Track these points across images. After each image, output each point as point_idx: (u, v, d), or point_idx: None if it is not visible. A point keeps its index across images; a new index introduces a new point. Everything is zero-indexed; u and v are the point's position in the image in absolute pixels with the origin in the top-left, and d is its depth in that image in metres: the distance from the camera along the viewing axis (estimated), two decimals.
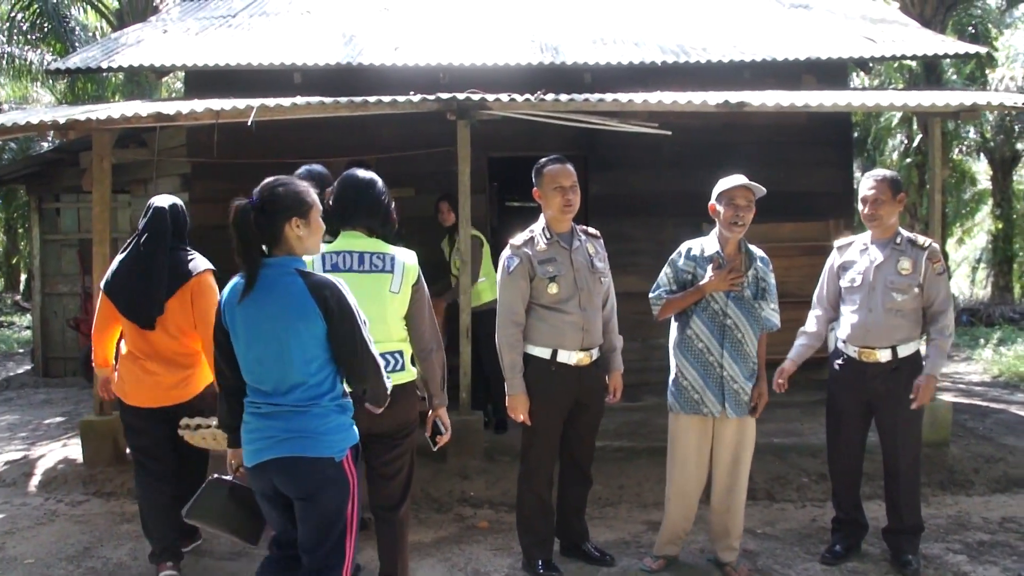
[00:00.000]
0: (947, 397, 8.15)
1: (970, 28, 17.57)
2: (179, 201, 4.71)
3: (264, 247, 3.06)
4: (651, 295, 4.58)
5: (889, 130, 17.91)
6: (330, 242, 3.74)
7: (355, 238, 3.72)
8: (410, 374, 3.80)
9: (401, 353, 3.76)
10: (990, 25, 18.28)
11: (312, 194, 3.10)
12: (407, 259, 3.72)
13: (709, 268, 4.41)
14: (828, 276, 4.86)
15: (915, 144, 16.14)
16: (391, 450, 3.76)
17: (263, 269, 3.00)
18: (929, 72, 15.16)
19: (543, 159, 4.54)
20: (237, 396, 3.18)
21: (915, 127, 15.73)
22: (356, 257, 3.68)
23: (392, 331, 3.71)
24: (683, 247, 4.58)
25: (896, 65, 15.77)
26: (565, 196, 4.42)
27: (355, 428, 3.18)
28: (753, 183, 4.39)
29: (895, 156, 18.44)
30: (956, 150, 18.66)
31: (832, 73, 8.70)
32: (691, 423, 4.51)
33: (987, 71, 17.43)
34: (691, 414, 4.49)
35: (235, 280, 3.10)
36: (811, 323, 4.90)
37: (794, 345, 4.88)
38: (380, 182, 3.83)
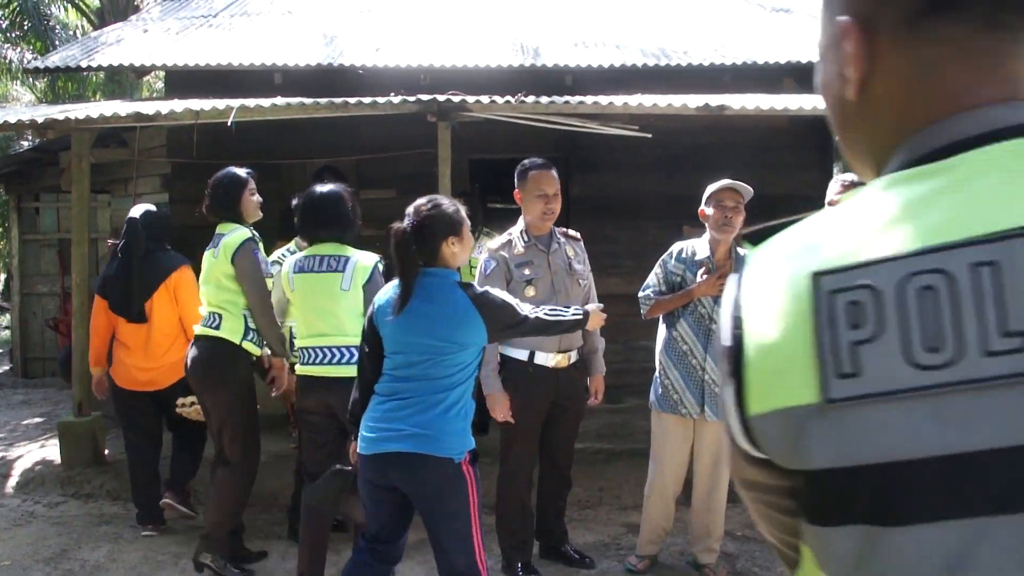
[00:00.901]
0: None
1: None
2: (153, 207, 5.48)
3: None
4: (640, 294, 4.58)
5: None
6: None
7: (323, 244, 4.23)
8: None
9: (353, 348, 4.00)
10: None
11: (461, 212, 3.35)
12: (362, 260, 4.16)
13: (699, 272, 4.42)
14: None
15: None
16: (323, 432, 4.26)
17: (424, 278, 3.24)
18: None
19: (527, 161, 4.53)
20: (371, 391, 3.36)
21: None
22: (318, 260, 4.20)
23: (346, 326, 4.12)
24: (674, 248, 4.59)
25: None
26: (548, 204, 4.42)
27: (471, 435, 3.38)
28: (740, 184, 4.41)
29: None
30: None
31: (812, 77, 8.72)
32: (671, 422, 4.52)
33: None
34: (670, 413, 4.50)
35: (392, 287, 3.33)
36: None
37: None
38: (339, 193, 4.25)
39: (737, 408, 0.86)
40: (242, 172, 4.66)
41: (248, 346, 4.55)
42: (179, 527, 5.29)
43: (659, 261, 4.60)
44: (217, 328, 4.51)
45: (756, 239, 0.92)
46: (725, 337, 0.86)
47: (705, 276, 4.35)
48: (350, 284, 4.13)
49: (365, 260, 4.19)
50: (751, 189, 4.43)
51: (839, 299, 0.79)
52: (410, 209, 3.29)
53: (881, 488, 0.78)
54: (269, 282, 4.63)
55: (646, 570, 4.67)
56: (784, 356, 0.81)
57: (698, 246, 4.53)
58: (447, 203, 3.33)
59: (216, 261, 4.51)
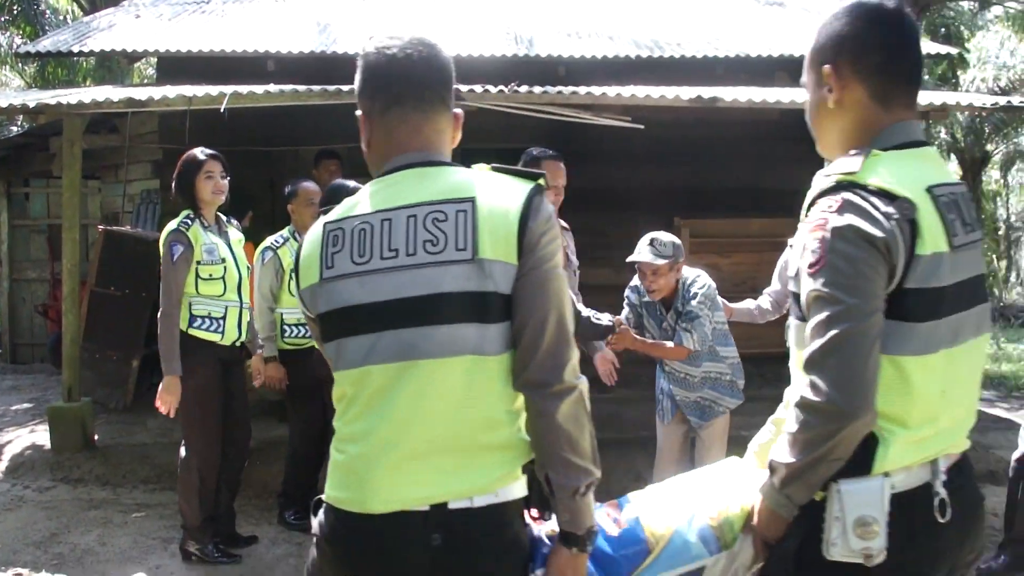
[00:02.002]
0: None
1: (943, 29, 17.76)
2: None
3: None
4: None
5: None
6: None
7: None
8: None
9: None
10: (962, 27, 18.50)
11: None
12: None
13: (646, 319, 4.71)
14: (780, 271, 4.92)
15: None
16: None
17: None
18: None
19: (536, 150, 4.48)
20: None
21: None
22: None
23: None
24: (636, 279, 4.69)
25: None
26: (558, 195, 4.45)
27: None
28: (646, 258, 4.42)
29: None
30: None
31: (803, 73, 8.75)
32: (665, 428, 4.77)
33: (959, 72, 17.63)
34: (660, 420, 4.78)
35: None
36: (763, 300, 4.94)
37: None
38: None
39: (298, 290, 1.85)
40: (201, 154, 4.55)
41: (198, 333, 4.50)
42: (169, 511, 5.30)
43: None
44: None
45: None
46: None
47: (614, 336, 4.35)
48: None
49: None
50: (666, 245, 4.44)
51: (329, 233, 1.78)
52: None
53: (344, 320, 1.74)
54: (235, 268, 4.61)
55: None
56: (309, 261, 1.80)
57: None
58: None
59: None
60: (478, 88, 6.11)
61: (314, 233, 1.81)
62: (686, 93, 6.26)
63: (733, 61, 8.11)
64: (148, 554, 4.79)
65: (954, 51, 9.53)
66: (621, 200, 8.40)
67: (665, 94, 6.21)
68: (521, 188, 1.76)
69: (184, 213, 4.55)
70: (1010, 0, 17.18)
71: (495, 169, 1.84)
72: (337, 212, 1.80)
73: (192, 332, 4.48)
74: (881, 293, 1.65)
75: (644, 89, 6.35)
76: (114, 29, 8.70)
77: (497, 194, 1.73)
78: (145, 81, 16.85)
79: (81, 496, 5.70)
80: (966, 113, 16.05)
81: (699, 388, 4.58)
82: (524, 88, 6.21)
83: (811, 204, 1.79)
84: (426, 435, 1.68)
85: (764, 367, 7.51)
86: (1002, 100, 7.15)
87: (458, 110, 1.91)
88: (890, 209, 1.64)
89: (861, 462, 1.69)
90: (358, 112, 1.87)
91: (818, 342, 1.65)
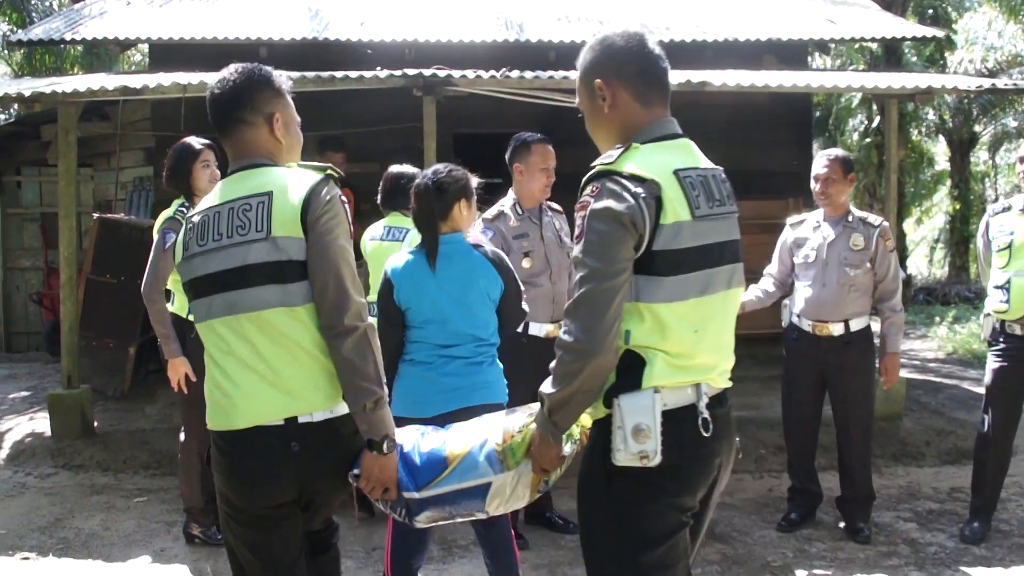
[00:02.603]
0: (902, 373, 8.34)
1: (930, 11, 17.81)
2: None
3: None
4: None
5: (850, 111, 18.13)
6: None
7: (396, 218, 4.64)
8: None
9: None
10: (949, 8, 18.54)
11: (472, 181, 3.65)
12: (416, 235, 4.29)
13: None
14: (780, 251, 5.00)
15: (874, 125, 16.33)
16: None
17: (440, 246, 3.49)
18: (889, 54, 15.35)
19: (526, 135, 4.61)
20: (395, 362, 3.57)
21: (875, 108, 15.93)
22: (393, 231, 4.67)
23: None
24: None
25: (857, 47, 15.95)
26: (549, 177, 4.54)
27: None
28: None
29: (855, 136, 18.69)
30: (915, 131, 18.90)
31: (793, 54, 8.83)
32: None
33: (946, 53, 17.68)
34: None
35: (410, 253, 3.55)
36: (765, 283, 5.01)
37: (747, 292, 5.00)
38: (412, 173, 4.53)
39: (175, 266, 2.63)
40: (197, 143, 4.59)
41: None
42: (170, 496, 5.38)
43: None
44: (171, 304, 4.58)
45: None
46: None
47: None
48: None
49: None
50: None
51: (188, 222, 2.51)
52: (428, 171, 3.59)
53: (193, 287, 2.46)
54: None
55: None
56: (179, 243, 2.49)
57: None
58: (461, 171, 3.61)
59: None
60: (470, 73, 6.16)
61: (184, 223, 2.55)
62: (675, 77, 6.26)
63: (722, 45, 8.15)
64: (152, 537, 4.87)
65: (939, 33, 9.58)
66: None
67: None
68: (309, 179, 2.41)
69: (179, 201, 4.60)
70: None
71: (300, 165, 2.50)
72: (197, 207, 2.52)
73: (190, 317, 4.53)
74: (625, 258, 2.11)
75: None
76: (105, 16, 8.69)
77: (290, 186, 2.38)
78: (134, 67, 16.80)
79: (83, 482, 5.78)
80: (954, 95, 16.14)
81: None
82: (515, 73, 6.25)
83: (582, 188, 2.20)
84: (265, 366, 2.35)
85: (754, 347, 7.61)
86: (987, 83, 7.22)
87: (277, 113, 2.53)
88: (639, 190, 2.10)
89: (634, 380, 2.14)
90: (598, 79, 2.34)
91: (574, 295, 2.15)
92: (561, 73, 6.38)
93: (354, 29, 8.09)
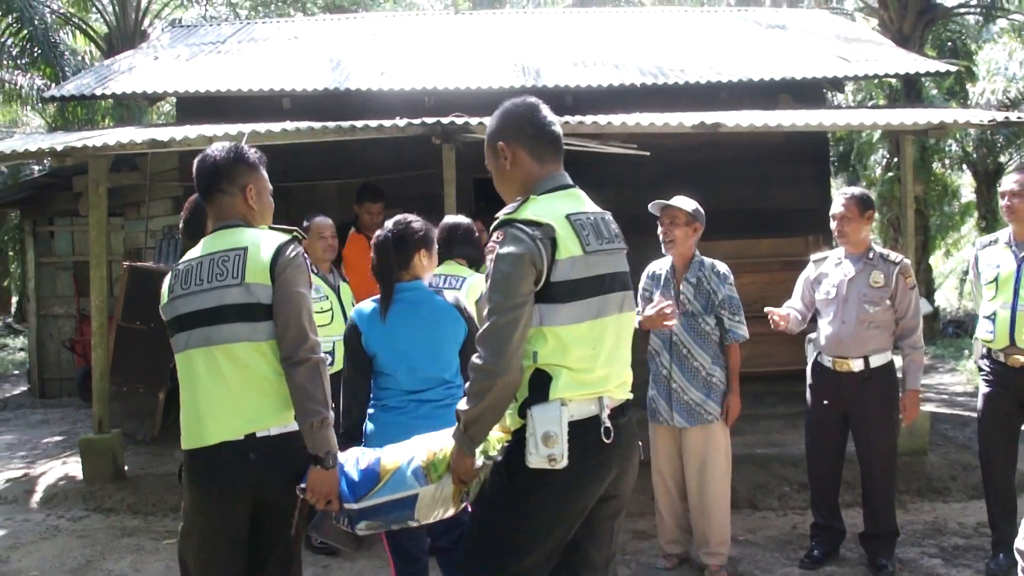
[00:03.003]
0: (929, 407, 8.30)
1: (949, 43, 17.83)
2: None
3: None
4: None
5: (871, 145, 18.10)
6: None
7: (451, 266, 4.61)
8: None
9: None
10: (968, 40, 18.57)
11: (432, 231, 3.79)
12: (475, 281, 4.37)
13: (657, 294, 4.71)
14: (804, 285, 5.05)
15: (896, 159, 16.30)
16: None
17: (402, 293, 3.60)
18: (909, 87, 15.33)
19: None
20: (364, 410, 3.64)
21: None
22: (449, 279, 4.57)
23: None
24: (648, 267, 4.82)
25: (876, 81, 15.97)
26: None
27: None
28: (672, 202, 4.64)
29: (878, 171, 18.66)
30: (938, 164, 18.84)
31: (808, 92, 8.88)
32: (658, 431, 4.84)
33: (967, 85, 17.65)
34: (654, 423, 4.82)
35: (369, 304, 3.64)
36: (794, 302, 5.08)
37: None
38: (467, 224, 4.69)
39: (160, 305, 3.07)
40: None
41: None
42: None
43: None
44: None
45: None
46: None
47: (652, 309, 4.34)
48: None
49: (477, 282, 4.33)
50: (689, 202, 4.69)
51: (173, 270, 3.07)
52: (389, 223, 3.71)
53: (175, 323, 3.02)
54: None
55: (674, 567, 4.90)
56: (164, 288, 3.07)
57: (665, 263, 4.78)
58: (421, 222, 3.74)
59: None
60: (487, 120, 6.25)
61: (169, 271, 3.08)
62: (689, 119, 6.40)
63: (736, 85, 8.25)
64: None
65: (953, 68, 9.60)
66: (631, 224, 8.31)
67: (669, 121, 6.34)
68: (277, 239, 2.95)
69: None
70: (1014, 13, 17.27)
71: (271, 228, 3.03)
72: (184, 258, 3.05)
73: None
74: (525, 293, 2.50)
75: (649, 116, 6.50)
76: (134, 71, 8.95)
77: (262, 243, 2.93)
78: (162, 119, 17.16)
79: (114, 524, 5.88)
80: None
81: (698, 386, 4.66)
82: None
83: (490, 233, 2.60)
84: (230, 392, 2.85)
85: (777, 384, 7.62)
86: (999, 115, 7.23)
87: (251, 184, 3.06)
88: (537, 232, 2.52)
89: (543, 394, 2.53)
90: (502, 143, 2.78)
91: (484, 325, 2.52)
92: (578, 118, 6.48)
93: (374, 79, 8.27)
